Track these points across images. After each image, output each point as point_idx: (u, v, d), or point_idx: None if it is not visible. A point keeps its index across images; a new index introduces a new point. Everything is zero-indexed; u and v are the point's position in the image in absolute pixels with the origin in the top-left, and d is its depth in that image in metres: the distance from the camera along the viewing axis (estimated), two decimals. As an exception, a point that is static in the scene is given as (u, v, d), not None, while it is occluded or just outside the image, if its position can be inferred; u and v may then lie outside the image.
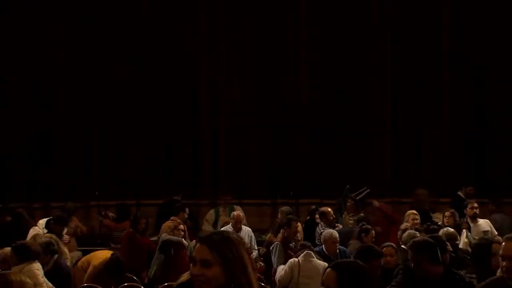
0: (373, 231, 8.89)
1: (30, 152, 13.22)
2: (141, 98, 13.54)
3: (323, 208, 10.19)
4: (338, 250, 8.28)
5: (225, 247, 2.78)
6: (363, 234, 8.70)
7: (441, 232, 7.99)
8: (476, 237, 8.63)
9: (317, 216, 10.81)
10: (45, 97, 13.33)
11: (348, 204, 10.95)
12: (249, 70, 13.76)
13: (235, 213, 10.18)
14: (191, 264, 2.83)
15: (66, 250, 8.28)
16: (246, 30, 13.80)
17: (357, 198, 10.93)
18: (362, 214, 10.36)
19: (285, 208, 10.85)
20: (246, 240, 9.70)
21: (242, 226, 10.06)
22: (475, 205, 9.79)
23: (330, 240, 8.30)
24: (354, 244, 8.55)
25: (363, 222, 9.33)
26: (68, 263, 8.04)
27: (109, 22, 13.44)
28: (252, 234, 10.12)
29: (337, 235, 8.41)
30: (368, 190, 11.19)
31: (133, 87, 13.55)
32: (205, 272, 2.75)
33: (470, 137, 13.66)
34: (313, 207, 11.20)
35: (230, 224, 10.03)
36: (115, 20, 13.45)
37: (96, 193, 12.80)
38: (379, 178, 13.61)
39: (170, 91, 13.57)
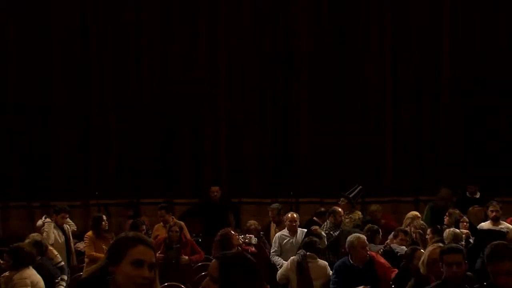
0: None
1: (30, 152, 13.21)
2: (140, 97, 13.55)
3: (334, 207, 10.03)
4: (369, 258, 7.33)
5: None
6: (369, 233, 8.54)
7: (446, 232, 7.92)
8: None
9: (314, 217, 10.71)
10: (44, 96, 13.31)
11: (342, 203, 10.80)
12: (250, 70, 13.74)
13: (289, 214, 9.53)
14: (133, 267, 2.85)
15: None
16: (246, 30, 13.78)
17: (350, 196, 10.89)
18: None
19: (275, 206, 10.70)
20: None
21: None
22: (496, 207, 9.45)
23: (358, 245, 7.32)
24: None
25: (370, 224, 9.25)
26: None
27: (108, 22, 13.44)
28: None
29: (365, 238, 7.59)
30: (361, 187, 11.15)
31: (133, 87, 13.54)
32: (150, 276, 2.87)
33: (470, 137, 13.66)
34: (322, 209, 11.05)
35: (286, 228, 9.40)
36: (112, 19, 13.45)
37: (96, 193, 12.79)
38: (379, 178, 13.61)
39: (170, 91, 13.56)
